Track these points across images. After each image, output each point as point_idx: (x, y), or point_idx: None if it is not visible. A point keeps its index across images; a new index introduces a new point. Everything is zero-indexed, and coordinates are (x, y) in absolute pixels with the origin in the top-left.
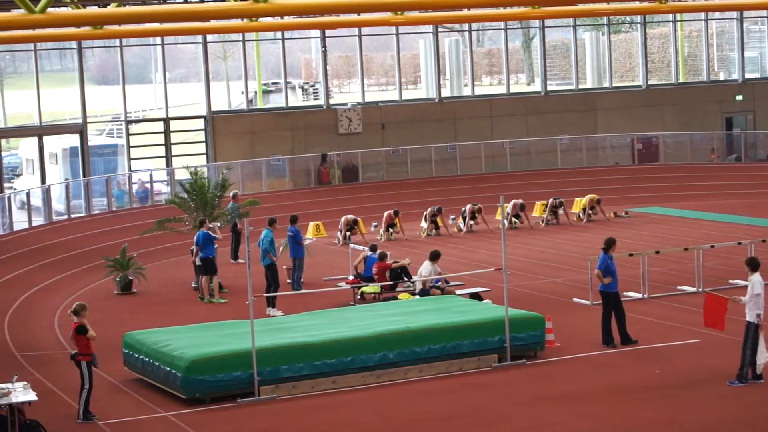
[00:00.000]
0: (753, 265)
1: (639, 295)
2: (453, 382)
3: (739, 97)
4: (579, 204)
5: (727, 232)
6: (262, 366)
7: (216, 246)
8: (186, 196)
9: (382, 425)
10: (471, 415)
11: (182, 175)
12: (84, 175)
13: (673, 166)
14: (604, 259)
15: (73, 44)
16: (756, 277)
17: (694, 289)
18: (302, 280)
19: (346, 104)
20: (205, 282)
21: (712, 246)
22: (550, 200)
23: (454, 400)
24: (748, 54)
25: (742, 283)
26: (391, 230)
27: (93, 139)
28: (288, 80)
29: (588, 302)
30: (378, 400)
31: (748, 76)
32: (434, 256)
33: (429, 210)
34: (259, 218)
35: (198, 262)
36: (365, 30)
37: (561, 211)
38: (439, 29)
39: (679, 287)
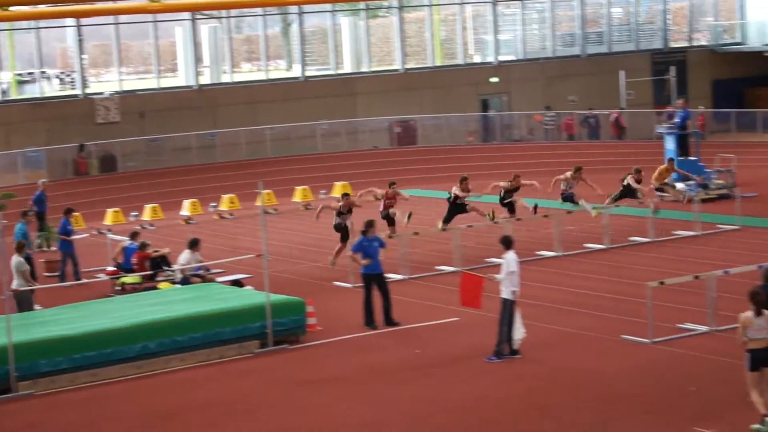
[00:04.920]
0: (506, 242)
1: (400, 276)
2: (215, 370)
3: (494, 80)
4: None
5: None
6: (19, 361)
7: None
8: None
9: (143, 416)
10: (233, 402)
11: None
12: None
13: (431, 148)
14: (360, 241)
15: None
16: (510, 255)
17: (452, 269)
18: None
19: (102, 93)
20: None
21: (470, 226)
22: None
23: (217, 387)
24: (502, 37)
25: (498, 261)
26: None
27: None
28: (43, 70)
29: (349, 285)
30: (139, 392)
31: (502, 58)
32: (193, 244)
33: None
34: (13, 212)
35: None
36: (122, 18)
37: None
38: (197, 16)
39: (437, 267)
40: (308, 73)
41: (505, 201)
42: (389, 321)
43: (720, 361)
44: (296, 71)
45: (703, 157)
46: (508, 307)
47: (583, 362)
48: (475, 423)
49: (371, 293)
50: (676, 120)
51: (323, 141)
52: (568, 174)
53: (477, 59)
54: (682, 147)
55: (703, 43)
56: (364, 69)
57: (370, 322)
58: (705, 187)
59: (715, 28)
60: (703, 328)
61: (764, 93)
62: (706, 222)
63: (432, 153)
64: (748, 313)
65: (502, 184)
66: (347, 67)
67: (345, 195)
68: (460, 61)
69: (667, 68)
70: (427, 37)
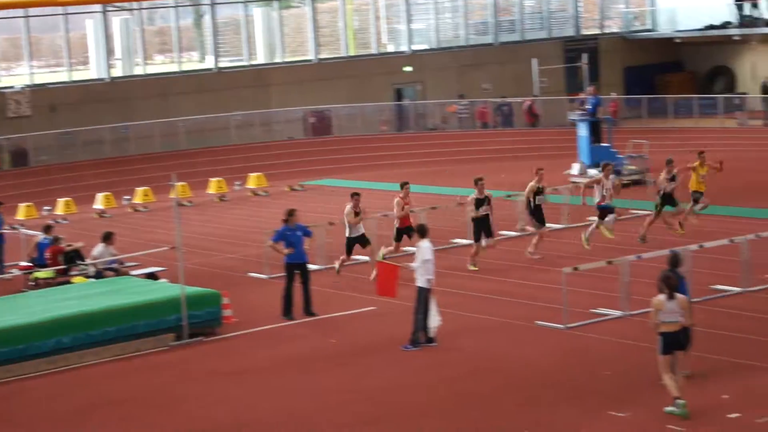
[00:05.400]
0: (421, 231)
1: (317, 267)
2: (130, 364)
3: (408, 69)
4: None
5: None
6: None
7: None
8: None
9: (59, 412)
10: (150, 396)
11: None
12: None
13: (346, 138)
14: (281, 231)
15: None
16: (425, 243)
17: (367, 258)
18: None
19: (13, 87)
20: None
21: (386, 215)
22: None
23: (132, 381)
24: (415, 26)
25: (413, 249)
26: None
27: None
28: None
29: (264, 276)
30: (54, 387)
31: (416, 47)
32: (107, 237)
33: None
34: None
35: None
36: (32, 11)
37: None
38: (108, 8)
39: (354, 257)
40: (221, 65)
41: (535, 206)
42: (308, 311)
43: (633, 345)
44: (209, 63)
45: (615, 144)
46: (423, 296)
47: (498, 349)
48: (392, 411)
49: (293, 283)
50: (588, 107)
51: (237, 132)
52: (599, 174)
53: (390, 49)
54: (595, 134)
55: (615, 30)
56: (278, 60)
57: (288, 312)
58: (618, 173)
59: (626, 15)
60: (617, 313)
61: (675, 79)
62: (619, 207)
63: (347, 143)
64: (661, 297)
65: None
66: (260, 58)
67: (354, 195)
68: (373, 50)
69: (580, 55)
70: (340, 27)
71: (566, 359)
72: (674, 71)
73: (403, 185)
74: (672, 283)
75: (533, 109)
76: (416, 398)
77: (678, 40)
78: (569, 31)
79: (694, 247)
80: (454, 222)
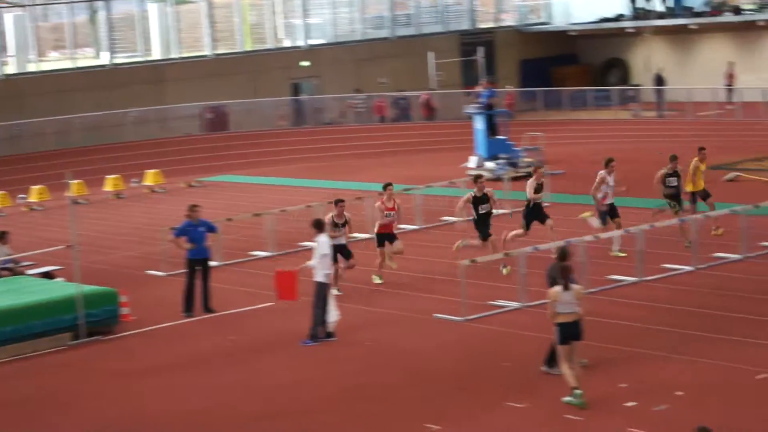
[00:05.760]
0: (318, 226)
1: (214, 263)
2: (27, 365)
3: (305, 63)
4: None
5: (298, 195)
6: None
7: None
8: None
9: None
10: (48, 396)
11: None
12: None
13: (243, 133)
14: (183, 226)
15: None
16: (322, 238)
17: (266, 254)
18: None
19: None
20: None
21: (283, 210)
22: None
23: (30, 383)
24: (312, 20)
25: (311, 244)
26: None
27: None
28: None
29: (162, 273)
30: None
31: (312, 42)
32: (1, 236)
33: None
34: None
35: None
36: None
37: None
38: (1, 4)
39: (251, 253)
40: (117, 61)
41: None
42: (207, 308)
43: (531, 336)
44: (104, 59)
45: (512, 136)
46: (321, 290)
47: (398, 342)
48: (291, 407)
49: (194, 279)
50: (481, 100)
51: (133, 129)
52: (602, 173)
53: (287, 43)
54: (491, 126)
55: (510, 23)
56: (174, 55)
57: (188, 309)
58: (514, 165)
59: (522, 9)
60: (515, 305)
61: (570, 71)
62: (516, 200)
63: (244, 138)
64: (557, 288)
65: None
66: (156, 54)
67: (339, 202)
68: (270, 45)
69: (475, 49)
70: (236, 21)
71: (465, 351)
72: (569, 64)
73: (386, 186)
74: (568, 273)
75: (430, 103)
76: (315, 393)
77: (573, 33)
78: (465, 25)
79: (589, 238)
80: (354, 216)
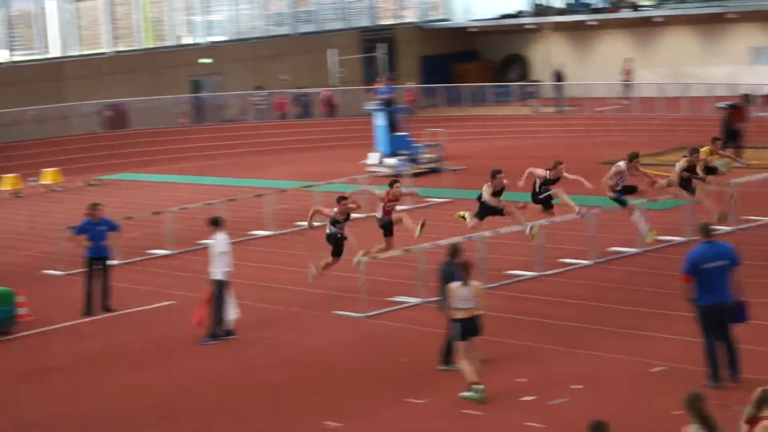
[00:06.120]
0: (216, 223)
1: (113, 262)
2: None
3: (206, 60)
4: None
5: (198, 193)
6: None
7: None
8: None
9: None
10: None
11: None
12: None
13: (144, 131)
14: (83, 224)
15: None
16: (220, 236)
17: (165, 252)
18: None
19: None
20: None
21: (183, 208)
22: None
23: None
24: (213, 17)
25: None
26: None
27: None
28: None
29: (60, 273)
30: None
31: (213, 39)
32: None
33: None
34: None
35: None
36: None
37: None
38: None
39: (150, 251)
40: (15, 58)
41: (541, 195)
42: (106, 307)
43: (431, 332)
44: (2, 56)
45: (413, 132)
46: (220, 288)
47: (298, 339)
48: (195, 406)
49: (92, 279)
50: (383, 97)
51: (32, 127)
52: (621, 164)
53: (188, 40)
54: (392, 123)
55: (411, 19)
56: (73, 53)
57: (88, 308)
58: (415, 161)
59: (422, 5)
60: (414, 300)
61: (471, 68)
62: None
63: (144, 136)
64: (455, 284)
65: (538, 172)
66: (55, 51)
67: (341, 199)
68: (170, 42)
69: (376, 45)
70: (136, 18)
71: (364, 348)
72: (470, 60)
73: (393, 184)
74: (468, 269)
75: (331, 100)
76: (214, 392)
77: (473, 30)
78: (366, 22)
79: (488, 233)
80: (251, 213)
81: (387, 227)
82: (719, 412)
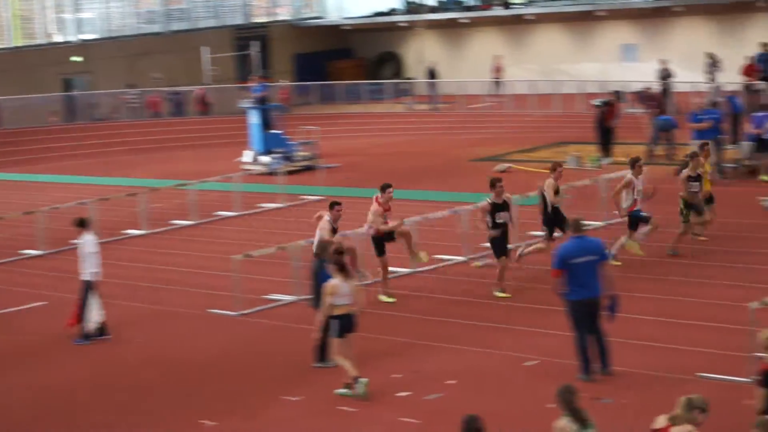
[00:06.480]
0: (82, 224)
1: None
2: None
3: (77, 59)
4: None
5: (70, 193)
6: None
7: None
8: None
9: None
10: None
11: None
12: None
13: (14, 130)
14: None
15: None
16: (88, 236)
17: (37, 252)
18: None
19: None
20: None
21: (55, 207)
22: None
23: None
24: (84, 15)
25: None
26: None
27: None
28: None
29: None
30: None
31: (84, 37)
32: None
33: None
34: None
35: None
36: None
37: None
38: None
39: (22, 251)
40: None
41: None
42: None
43: (306, 329)
44: None
45: (287, 130)
46: (88, 289)
47: (171, 338)
48: (68, 407)
49: None
50: (255, 95)
51: None
52: (628, 174)
53: (59, 38)
54: (266, 121)
55: (285, 17)
56: None
57: None
58: (289, 159)
59: (295, 3)
60: (289, 298)
61: (345, 65)
62: (291, 194)
63: (14, 135)
64: (336, 281)
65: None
66: None
67: (335, 205)
68: (41, 40)
69: (249, 43)
70: (5, 16)
71: (238, 346)
72: (344, 58)
73: (385, 188)
74: (344, 265)
75: (204, 98)
76: (88, 393)
77: (347, 27)
78: (239, 19)
79: (363, 230)
80: (124, 212)
81: (386, 237)
82: (590, 404)
